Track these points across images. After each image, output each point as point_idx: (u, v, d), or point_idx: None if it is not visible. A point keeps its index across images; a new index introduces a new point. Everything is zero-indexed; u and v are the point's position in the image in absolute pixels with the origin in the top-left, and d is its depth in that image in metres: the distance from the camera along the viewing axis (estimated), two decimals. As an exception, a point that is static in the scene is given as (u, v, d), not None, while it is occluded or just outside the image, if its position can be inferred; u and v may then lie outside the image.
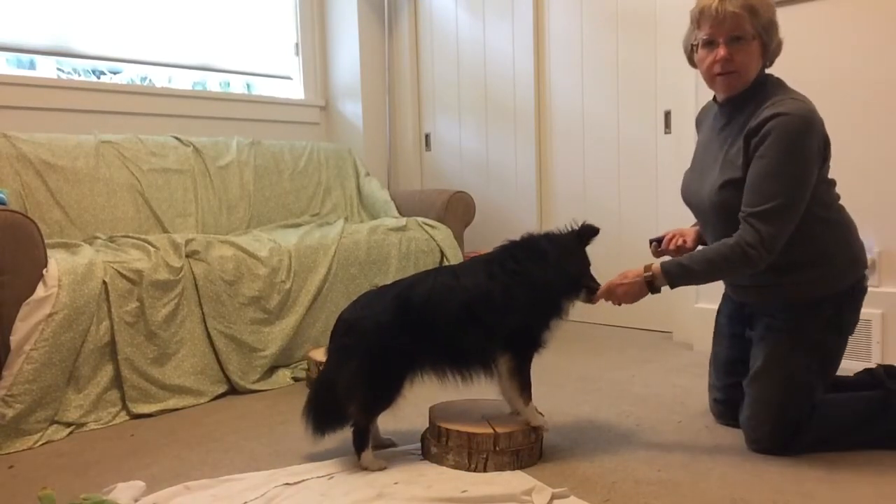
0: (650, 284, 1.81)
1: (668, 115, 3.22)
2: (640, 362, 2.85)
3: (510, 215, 3.87)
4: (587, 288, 1.89)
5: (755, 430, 1.88)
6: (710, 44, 1.79)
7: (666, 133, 3.24)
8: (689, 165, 2.07)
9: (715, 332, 2.15)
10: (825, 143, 1.79)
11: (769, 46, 1.80)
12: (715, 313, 2.17)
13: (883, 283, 2.55)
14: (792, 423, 1.83)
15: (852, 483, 1.67)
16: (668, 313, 3.22)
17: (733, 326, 2.07)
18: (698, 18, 1.80)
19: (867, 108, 2.55)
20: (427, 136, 4.24)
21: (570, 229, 1.91)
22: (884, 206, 2.54)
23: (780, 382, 1.84)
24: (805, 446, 1.83)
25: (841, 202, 1.90)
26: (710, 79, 1.85)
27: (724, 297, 2.14)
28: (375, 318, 1.78)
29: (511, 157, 3.87)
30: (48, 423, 2.15)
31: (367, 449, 1.81)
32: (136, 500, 1.64)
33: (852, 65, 2.58)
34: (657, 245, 2.09)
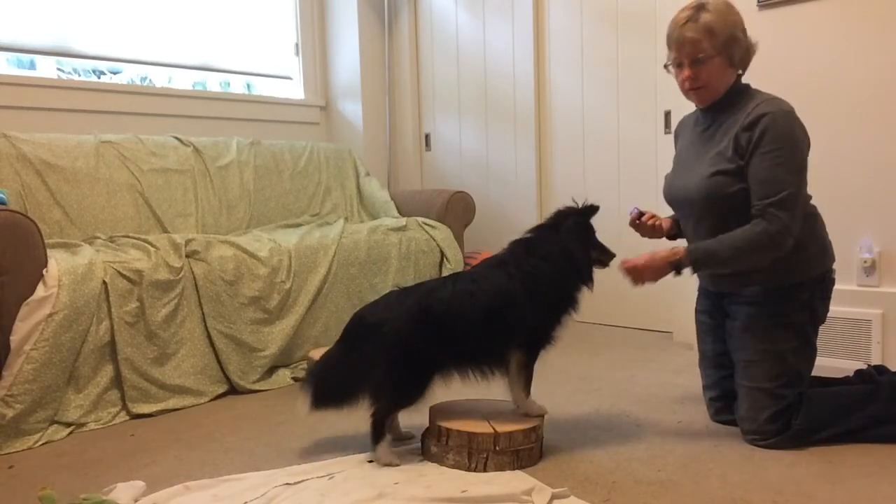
0: (674, 265, 1.91)
1: (667, 115, 3.22)
2: (640, 362, 2.85)
3: (510, 215, 3.86)
4: (600, 262, 2.00)
5: (754, 418, 1.93)
6: (679, 65, 1.97)
7: (666, 133, 3.23)
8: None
9: (698, 331, 2.24)
10: (807, 137, 1.92)
11: (734, 58, 1.94)
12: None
13: (883, 283, 2.54)
14: (786, 407, 1.90)
15: (852, 483, 1.67)
16: (668, 313, 3.20)
17: (714, 319, 2.16)
18: (668, 43, 1.99)
19: (866, 109, 2.54)
20: (427, 136, 4.24)
21: (569, 209, 2.06)
22: (883, 207, 2.53)
23: (772, 367, 1.93)
24: (798, 433, 1.89)
25: (826, 199, 2.00)
26: (685, 93, 2.03)
27: (700, 294, 2.23)
28: (396, 322, 1.81)
29: (511, 157, 3.87)
30: (48, 423, 2.15)
31: (383, 441, 1.83)
32: (136, 500, 1.64)
33: (851, 66, 2.57)
34: (638, 214, 2.15)
